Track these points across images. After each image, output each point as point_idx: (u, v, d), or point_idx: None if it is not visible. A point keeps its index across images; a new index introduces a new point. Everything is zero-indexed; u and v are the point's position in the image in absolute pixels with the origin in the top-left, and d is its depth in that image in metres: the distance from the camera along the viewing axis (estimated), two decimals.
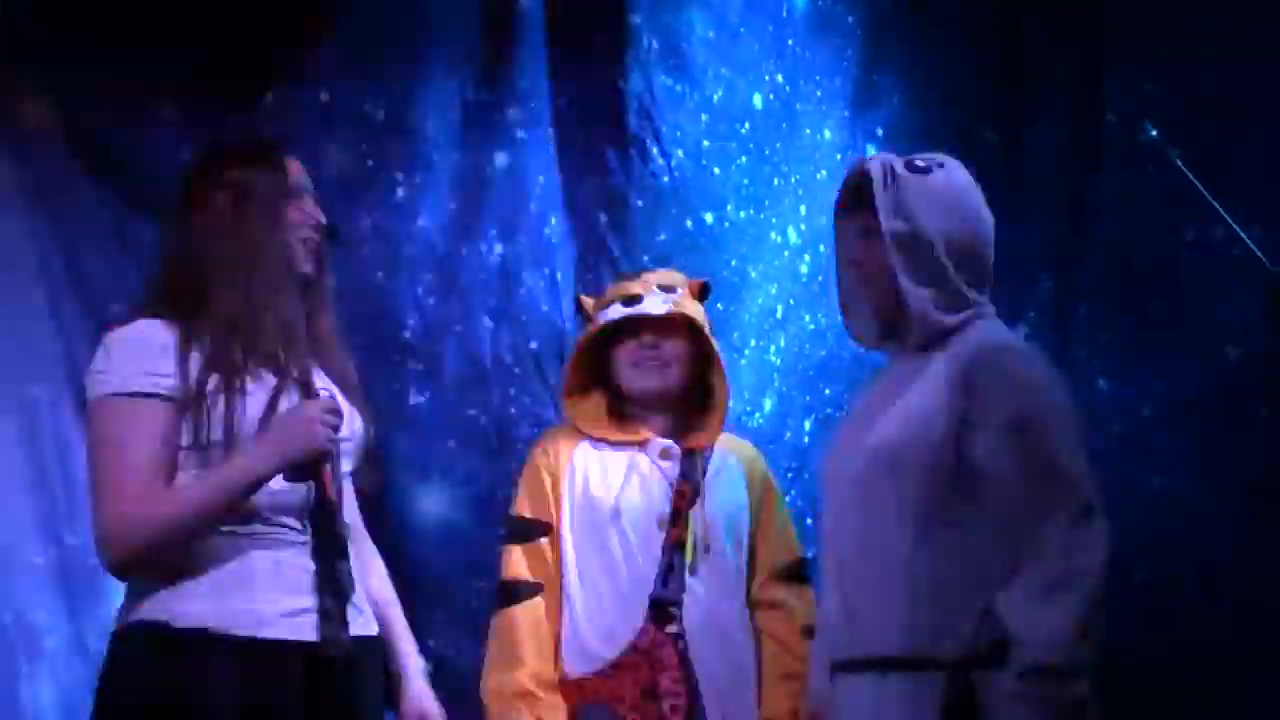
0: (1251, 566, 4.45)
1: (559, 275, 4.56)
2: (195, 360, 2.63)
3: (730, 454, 3.59)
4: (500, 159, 4.56)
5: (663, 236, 4.68)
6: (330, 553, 2.68)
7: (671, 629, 3.38)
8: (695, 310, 3.53)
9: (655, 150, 4.70)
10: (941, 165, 2.91)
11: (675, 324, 3.50)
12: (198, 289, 2.68)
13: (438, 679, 4.09)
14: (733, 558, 3.48)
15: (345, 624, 2.67)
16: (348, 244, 3.77)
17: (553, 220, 4.62)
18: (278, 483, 2.64)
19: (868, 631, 2.77)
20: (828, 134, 4.95)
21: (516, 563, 3.44)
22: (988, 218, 2.91)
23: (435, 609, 4.34)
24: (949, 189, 2.88)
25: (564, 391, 3.56)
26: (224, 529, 2.63)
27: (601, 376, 3.53)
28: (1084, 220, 4.78)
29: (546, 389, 4.53)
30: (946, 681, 2.67)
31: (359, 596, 2.74)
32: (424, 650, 4.19)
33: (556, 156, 4.65)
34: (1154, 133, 3.97)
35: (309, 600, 2.65)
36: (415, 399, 4.44)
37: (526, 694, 3.36)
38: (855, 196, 2.94)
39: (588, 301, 3.61)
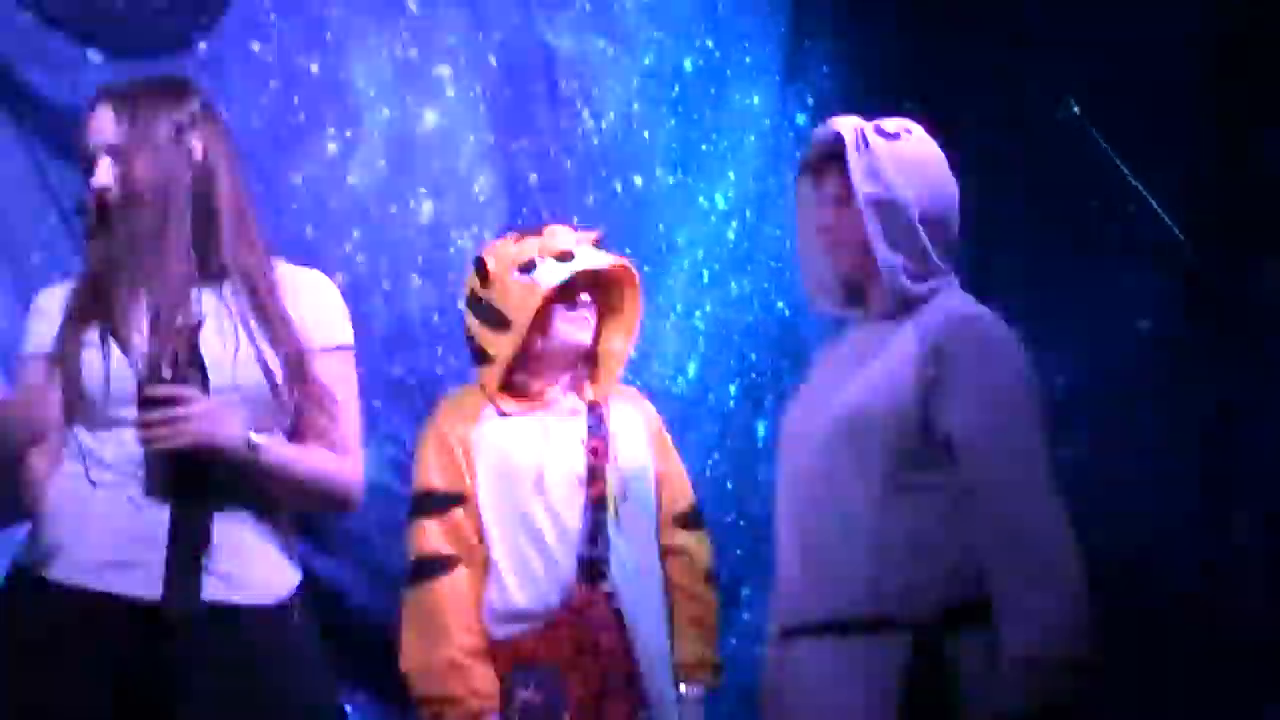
0: (1164, 537, 4.53)
1: (488, 235, 4.54)
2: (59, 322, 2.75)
3: (625, 404, 3.63)
4: (430, 117, 4.56)
5: (591, 198, 4.71)
6: (187, 506, 2.59)
7: (604, 587, 3.40)
8: (618, 258, 3.59)
9: (585, 112, 4.73)
10: (909, 131, 2.92)
11: (585, 277, 3.53)
12: None
13: (355, 640, 4.20)
14: (648, 508, 3.54)
15: (193, 583, 2.57)
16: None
17: (482, 179, 4.63)
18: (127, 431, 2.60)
19: (830, 593, 2.77)
20: (757, 100, 5.02)
21: (431, 537, 3.43)
22: (954, 187, 2.93)
23: (356, 569, 4.37)
24: (921, 155, 2.89)
25: (485, 361, 3.55)
26: (73, 471, 2.63)
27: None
28: (1000, 194, 4.75)
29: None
30: (911, 642, 2.68)
31: (236, 559, 2.64)
32: (342, 610, 4.32)
33: (487, 115, 4.65)
34: (1075, 109, 4.04)
35: (153, 554, 2.57)
36: None
37: (456, 666, 3.35)
38: (821, 160, 2.93)
39: (492, 261, 3.54)
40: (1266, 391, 4.56)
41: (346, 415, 2.75)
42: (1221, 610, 4.45)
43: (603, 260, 3.51)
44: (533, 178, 4.68)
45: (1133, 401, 4.64)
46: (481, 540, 3.41)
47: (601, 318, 3.58)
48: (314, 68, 4.37)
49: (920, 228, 2.85)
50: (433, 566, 3.42)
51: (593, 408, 3.54)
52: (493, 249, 3.60)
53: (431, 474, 3.47)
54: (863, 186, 2.84)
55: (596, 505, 3.43)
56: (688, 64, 4.91)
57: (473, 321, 3.55)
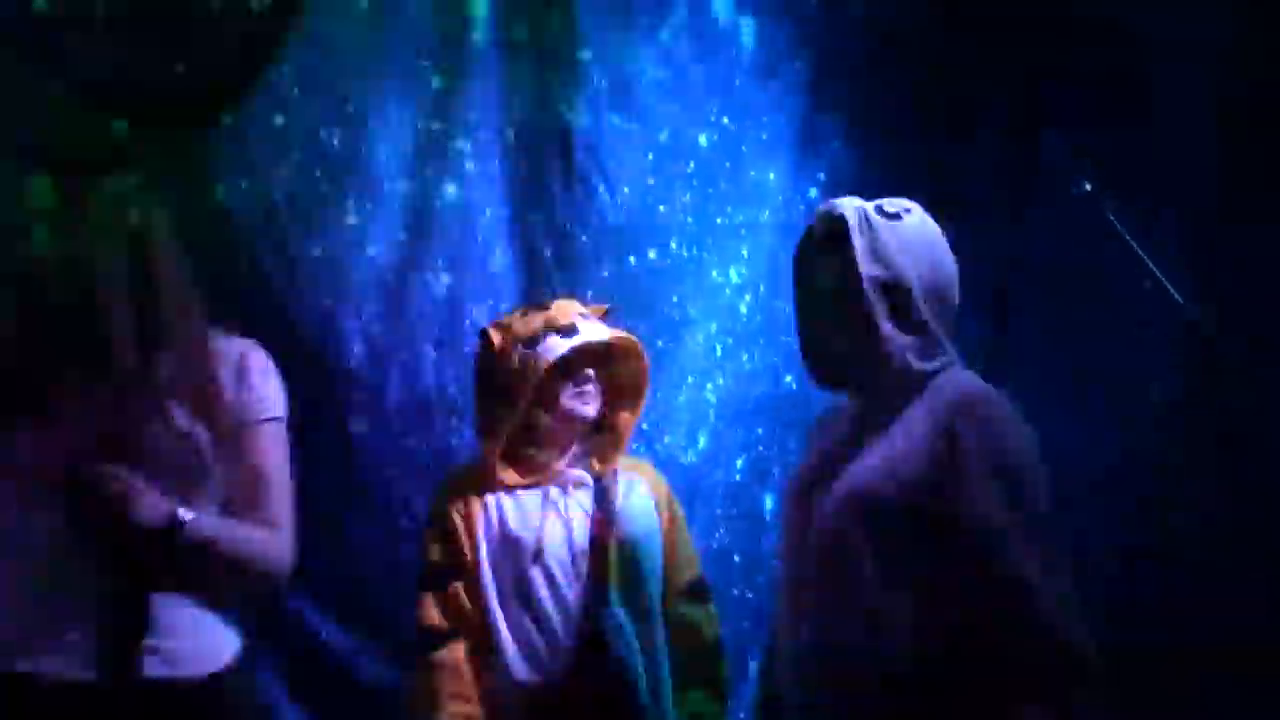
0: (1185, 622, 4.51)
1: (503, 308, 4.57)
2: None
3: (634, 475, 3.64)
4: (449, 190, 4.60)
5: (606, 272, 4.71)
6: (118, 583, 2.57)
7: (606, 659, 3.41)
8: (622, 334, 3.61)
9: (601, 187, 4.73)
10: (909, 211, 2.94)
11: (591, 352, 3.56)
12: None
13: (365, 714, 4.23)
14: (654, 580, 3.54)
15: (129, 661, 2.55)
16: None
17: (498, 253, 4.66)
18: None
19: (835, 670, 2.78)
20: (771, 176, 5.00)
21: (429, 611, 3.46)
22: (954, 265, 2.94)
23: (373, 641, 4.38)
24: (922, 235, 2.91)
25: (489, 434, 3.56)
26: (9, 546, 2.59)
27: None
28: (1014, 269, 4.86)
29: None
30: None
31: (171, 633, 2.61)
32: (364, 685, 4.34)
33: (504, 189, 4.69)
34: (1088, 186, 4.07)
35: (81, 633, 2.55)
36: (356, 427, 4.45)
37: None
38: (825, 240, 2.93)
39: (497, 336, 3.56)
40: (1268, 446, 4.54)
41: (277, 489, 2.74)
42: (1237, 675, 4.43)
43: (605, 334, 3.54)
44: (548, 251, 4.71)
45: (1140, 475, 4.64)
46: (483, 612, 3.44)
47: (610, 390, 3.61)
48: (335, 141, 4.44)
49: (924, 306, 2.86)
50: (431, 640, 3.45)
51: (599, 479, 3.57)
52: (499, 323, 3.63)
53: (432, 547, 3.53)
54: (867, 268, 2.85)
55: (598, 577, 3.44)
56: (703, 139, 4.92)
57: (478, 394, 3.60)
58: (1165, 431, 4.62)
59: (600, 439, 3.62)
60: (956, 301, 2.93)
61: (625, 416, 3.63)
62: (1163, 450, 4.54)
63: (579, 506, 3.52)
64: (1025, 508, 2.72)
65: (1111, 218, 4.00)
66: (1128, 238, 4.01)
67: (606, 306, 3.65)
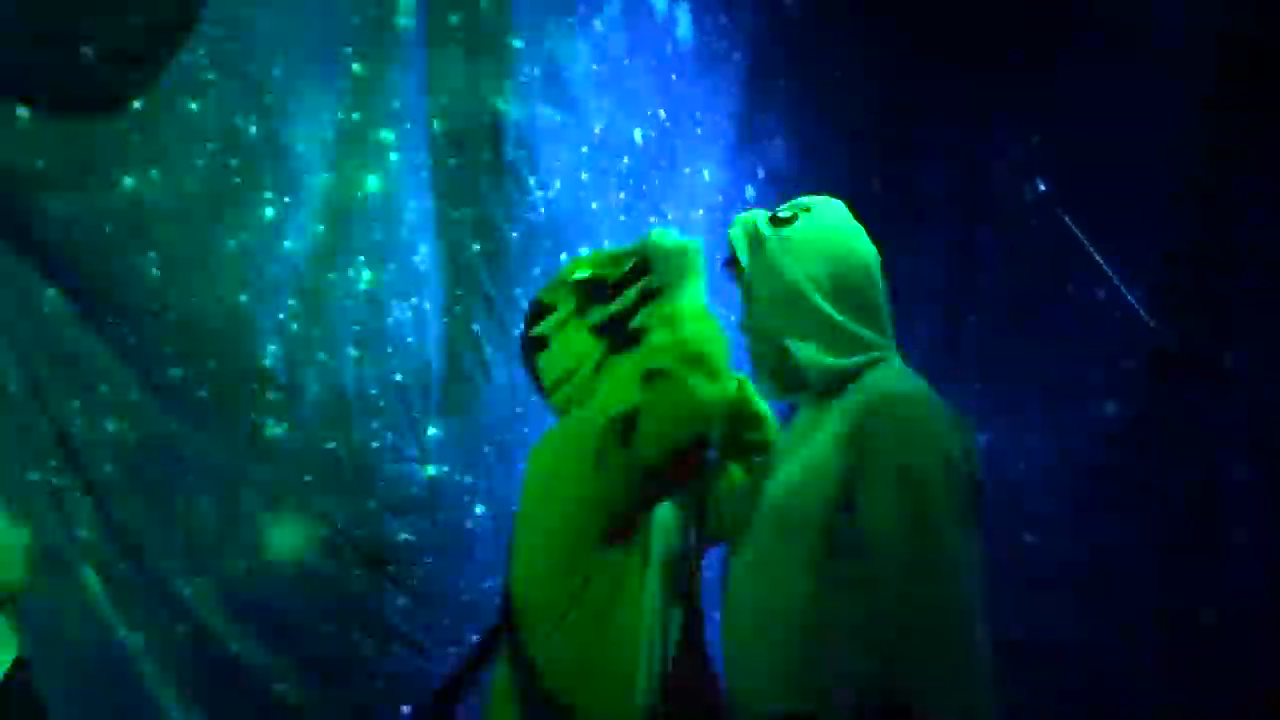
0: (1127, 631, 4.56)
1: (427, 306, 4.55)
2: None
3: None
4: (372, 182, 4.53)
5: (537, 270, 4.68)
6: None
7: None
8: None
9: (532, 181, 4.71)
10: (809, 209, 2.95)
11: None
12: None
13: None
14: None
15: None
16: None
17: (423, 249, 4.61)
18: None
19: (751, 691, 2.80)
20: (707, 174, 5.02)
21: None
22: (867, 252, 2.92)
23: (283, 653, 4.32)
24: (817, 233, 2.92)
25: None
26: None
27: None
28: (968, 274, 4.88)
29: (410, 424, 4.49)
30: None
31: None
32: (270, 696, 4.25)
33: (430, 182, 4.63)
34: (1042, 188, 4.03)
35: None
36: (273, 430, 4.39)
37: None
38: (728, 263, 3.02)
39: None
40: (1237, 483, 4.64)
41: None
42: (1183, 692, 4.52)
43: None
44: (476, 248, 4.66)
45: (1095, 487, 4.72)
46: None
47: None
48: (251, 128, 4.35)
49: (828, 305, 2.87)
50: None
51: None
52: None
53: None
54: (759, 285, 2.91)
55: None
56: (638, 134, 4.94)
57: None
58: (1119, 445, 4.67)
59: None
60: (877, 291, 2.91)
61: None
62: (1116, 462, 4.63)
63: None
64: (925, 514, 2.68)
65: (1068, 220, 3.97)
66: (1084, 240, 3.99)
67: None
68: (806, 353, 2.88)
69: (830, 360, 2.87)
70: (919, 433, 2.75)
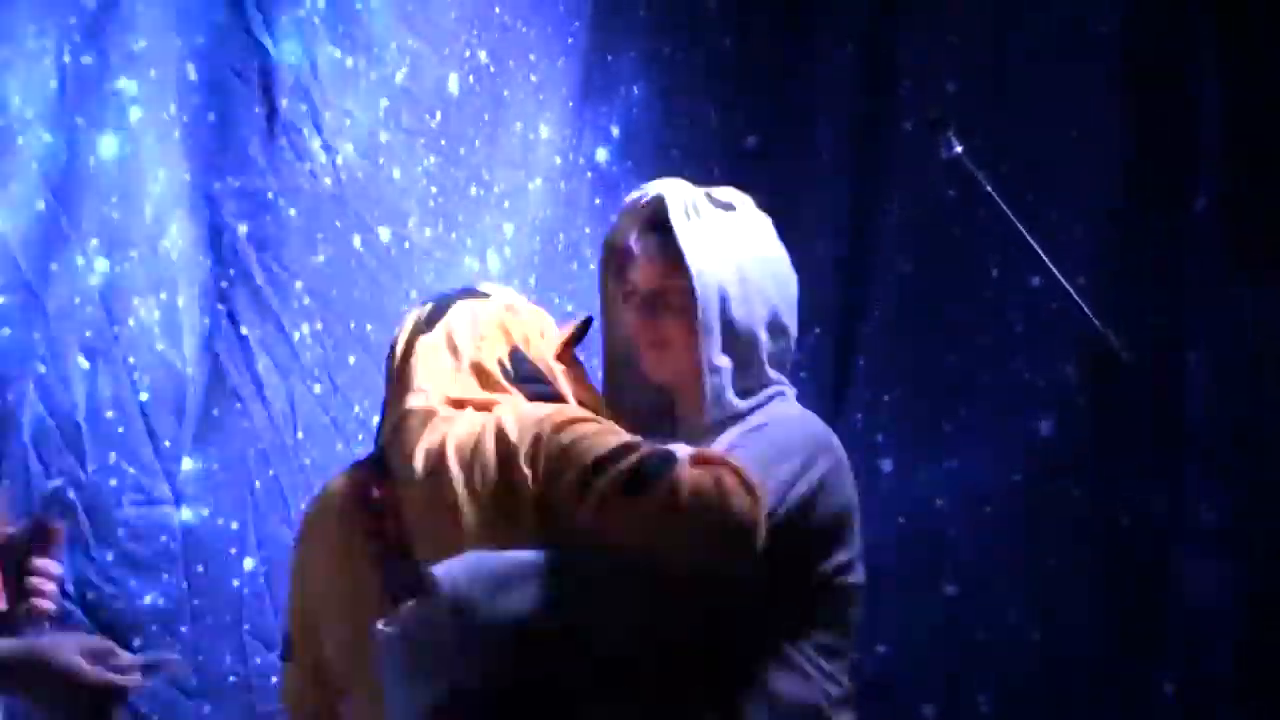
0: (1063, 695, 4.57)
1: (181, 302, 4.37)
2: None
3: None
4: (107, 145, 4.34)
5: (321, 257, 4.54)
6: None
7: None
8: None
9: (315, 143, 4.57)
10: (742, 203, 2.94)
11: None
12: None
13: None
14: None
15: None
16: None
17: (174, 230, 4.42)
18: None
19: None
20: (544, 131, 4.93)
21: None
22: (793, 282, 2.93)
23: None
24: (760, 239, 2.91)
25: None
26: None
27: None
28: (866, 253, 4.89)
29: (157, 455, 4.38)
30: None
31: None
32: None
33: (184, 145, 4.46)
34: (958, 148, 3.86)
35: None
36: None
37: None
38: (641, 237, 2.93)
39: None
40: (1189, 513, 4.64)
41: None
42: None
43: None
44: (243, 228, 4.49)
45: (1026, 527, 4.68)
46: None
47: None
48: None
49: (759, 328, 2.88)
50: None
51: None
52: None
53: None
54: (696, 267, 2.85)
55: None
56: (453, 82, 4.77)
57: None
58: (1058, 470, 4.67)
59: None
60: (794, 325, 2.95)
61: None
62: (1053, 492, 4.65)
63: None
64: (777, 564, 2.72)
65: (989, 188, 3.78)
66: (1011, 216, 3.79)
67: (584, 319, 3.25)
68: (718, 378, 2.86)
69: (732, 396, 2.88)
70: (784, 473, 2.79)
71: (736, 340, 2.88)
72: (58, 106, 4.31)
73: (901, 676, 4.61)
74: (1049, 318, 4.50)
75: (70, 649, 2.50)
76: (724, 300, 2.87)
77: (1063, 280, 3.82)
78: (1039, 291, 4.45)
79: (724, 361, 2.86)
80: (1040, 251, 3.82)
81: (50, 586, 2.60)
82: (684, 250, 2.87)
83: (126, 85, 4.37)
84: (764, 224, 2.99)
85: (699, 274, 2.85)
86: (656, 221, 2.93)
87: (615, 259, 3.03)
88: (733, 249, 2.90)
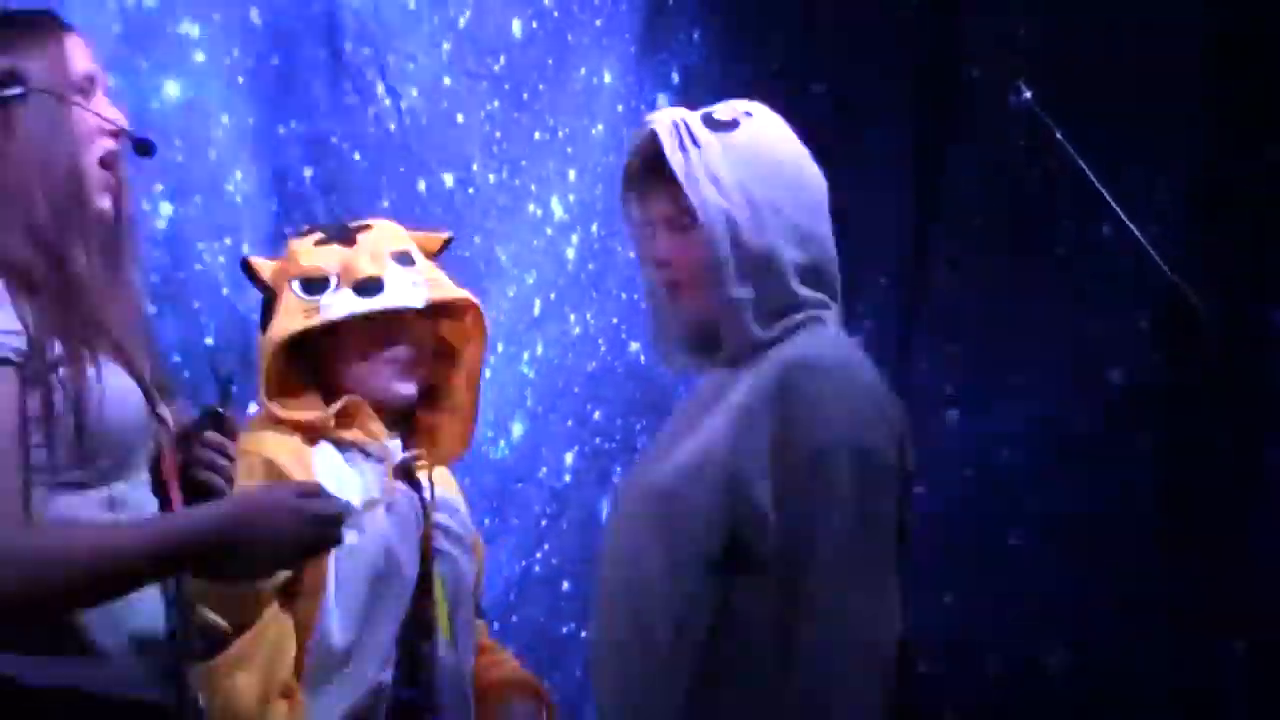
0: (1130, 649, 4.63)
1: (246, 248, 4.35)
2: (30, 319, 2.50)
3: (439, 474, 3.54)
4: (170, 89, 4.35)
5: (386, 202, 4.58)
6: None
7: None
8: (452, 287, 3.45)
9: (380, 87, 4.61)
10: (750, 115, 2.88)
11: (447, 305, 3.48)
12: None
13: None
14: (474, 632, 3.44)
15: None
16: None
17: (239, 175, 4.46)
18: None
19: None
20: (608, 77, 4.99)
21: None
22: (819, 186, 2.85)
23: None
24: (767, 148, 2.84)
25: (266, 391, 3.37)
26: None
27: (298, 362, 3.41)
28: (934, 205, 4.94)
29: (225, 400, 4.33)
30: None
31: None
32: None
33: (248, 89, 4.48)
34: (1027, 94, 3.90)
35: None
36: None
37: None
38: (645, 173, 2.89)
39: (265, 266, 3.44)
40: (1263, 469, 4.65)
41: None
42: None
43: (406, 296, 3.34)
44: (308, 172, 4.53)
45: (1094, 479, 4.68)
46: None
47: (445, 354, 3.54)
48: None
49: (783, 249, 2.81)
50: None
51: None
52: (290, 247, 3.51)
53: None
54: (696, 200, 2.81)
55: (421, 621, 3.32)
56: (516, 26, 4.85)
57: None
58: (1127, 424, 4.69)
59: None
60: (826, 236, 2.86)
61: (462, 390, 3.51)
62: (1122, 445, 4.65)
63: (413, 506, 3.38)
64: (826, 517, 2.68)
65: (1060, 136, 3.83)
66: (1081, 164, 3.84)
67: (446, 235, 3.53)
68: (734, 303, 2.80)
69: (758, 321, 2.80)
70: (832, 411, 2.72)
71: (754, 265, 2.81)
72: (121, 50, 4.30)
73: (967, 626, 4.64)
74: (1121, 268, 4.50)
75: (290, 489, 2.60)
76: (733, 226, 2.80)
77: (1135, 230, 3.85)
78: (1111, 241, 4.46)
79: (742, 292, 2.81)
80: (1112, 201, 3.85)
81: (222, 463, 2.65)
82: (681, 183, 2.82)
83: (190, 29, 4.37)
84: (773, 132, 2.91)
85: (701, 205, 2.80)
86: (654, 155, 2.88)
87: (626, 193, 3.01)
88: (736, 170, 2.83)
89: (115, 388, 2.52)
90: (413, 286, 3.35)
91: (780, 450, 2.70)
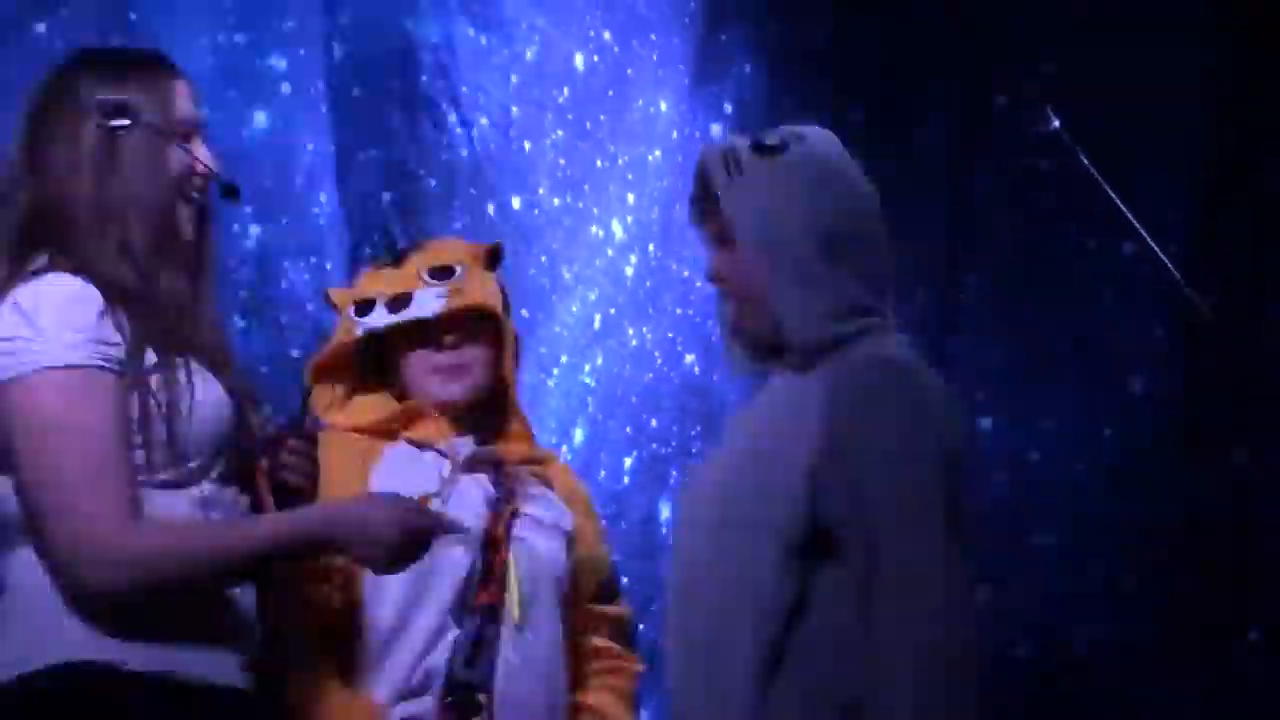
0: (1155, 648, 4.64)
1: (329, 266, 4.54)
2: (126, 330, 2.60)
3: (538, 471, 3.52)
4: (259, 119, 4.53)
5: (459, 224, 4.68)
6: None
7: None
8: (483, 292, 3.46)
9: (452, 116, 4.73)
10: (801, 138, 2.87)
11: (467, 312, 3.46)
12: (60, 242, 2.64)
13: None
14: (557, 620, 3.40)
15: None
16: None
17: (322, 198, 4.61)
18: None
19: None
20: (664, 106, 5.06)
21: None
22: (869, 197, 2.84)
23: None
24: (813, 166, 2.83)
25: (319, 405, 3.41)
26: None
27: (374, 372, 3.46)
28: (969, 225, 5.00)
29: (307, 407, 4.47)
30: None
31: None
32: None
33: (330, 119, 4.64)
34: (1055, 123, 3.91)
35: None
36: None
37: None
38: (702, 197, 2.90)
39: (339, 296, 3.51)
40: (1272, 465, 4.69)
41: None
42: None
43: (428, 307, 3.38)
44: (386, 197, 4.67)
45: (1117, 480, 4.74)
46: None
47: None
48: None
49: (821, 256, 2.78)
50: None
51: (499, 466, 3.44)
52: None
53: None
54: (738, 225, 2.80)
55: (486, 609, 3.30)
56: (579, 60, 4.97)
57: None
58: (1149, 427, 4.71)
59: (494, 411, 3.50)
60: (879, 244, 2.82)
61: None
62: (1145, 448, 4.70)
63: (483, 496, 3.37)
64: (923, 530, 2.63)
65: (1085, 161, 3.85)
66: (1105, 186, 3.86)
67: (491, 245, 3.52)
68: (789, 308, 2.78)
69: (815, 324, 2.78)
70: (892, 414, 2.68)
71: (799, 277, 2.80)
72: (212, 84, 4.39)
73: (999, 618, 4.64)
74: (1141, 283, 4.55)
75: (387, 502, 2.72)
76: (769, 240, 2.80)
77: (1154, 246, 3.86)
78: (1129, 257, 4.54)
79: (790, 301, 2.80)
80: (1135, 221, 3.85)
81: (306, 467, 2.77)
82: (724, 208, 2.82)
83: (277, 63, 4.55)
84: (821, 151, 2.87)
85: (734, 223, 2.81)
86: (707, 181, 2.88)
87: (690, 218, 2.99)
88: (778, 188, 2.81)
89: (206, 394, 2.61)
90: (435, 299, 3.38)
91: (842, 452, 2.67)
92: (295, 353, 4.51)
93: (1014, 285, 4.89)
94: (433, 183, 4.72)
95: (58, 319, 2.55)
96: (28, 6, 4.25)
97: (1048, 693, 4.68)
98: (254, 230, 4.54)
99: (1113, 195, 3.86)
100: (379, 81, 4.69)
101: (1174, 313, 4.49)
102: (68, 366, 2.53)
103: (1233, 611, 4.61)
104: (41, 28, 4.24)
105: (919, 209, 4.84)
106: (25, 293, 2.57)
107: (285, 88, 4.57)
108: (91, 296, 2.56)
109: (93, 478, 2.51)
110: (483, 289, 3.42)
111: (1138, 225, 3.89)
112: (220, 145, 4.16)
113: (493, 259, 3.51)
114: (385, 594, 3.23)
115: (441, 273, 3.42)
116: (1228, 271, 4.57)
